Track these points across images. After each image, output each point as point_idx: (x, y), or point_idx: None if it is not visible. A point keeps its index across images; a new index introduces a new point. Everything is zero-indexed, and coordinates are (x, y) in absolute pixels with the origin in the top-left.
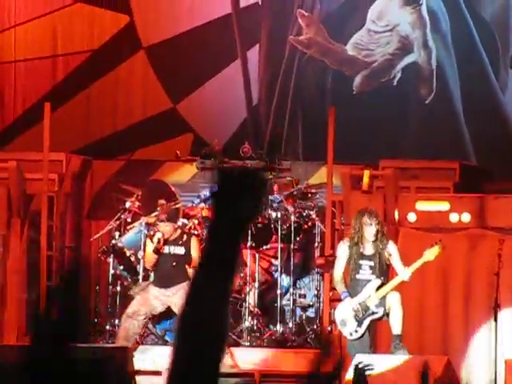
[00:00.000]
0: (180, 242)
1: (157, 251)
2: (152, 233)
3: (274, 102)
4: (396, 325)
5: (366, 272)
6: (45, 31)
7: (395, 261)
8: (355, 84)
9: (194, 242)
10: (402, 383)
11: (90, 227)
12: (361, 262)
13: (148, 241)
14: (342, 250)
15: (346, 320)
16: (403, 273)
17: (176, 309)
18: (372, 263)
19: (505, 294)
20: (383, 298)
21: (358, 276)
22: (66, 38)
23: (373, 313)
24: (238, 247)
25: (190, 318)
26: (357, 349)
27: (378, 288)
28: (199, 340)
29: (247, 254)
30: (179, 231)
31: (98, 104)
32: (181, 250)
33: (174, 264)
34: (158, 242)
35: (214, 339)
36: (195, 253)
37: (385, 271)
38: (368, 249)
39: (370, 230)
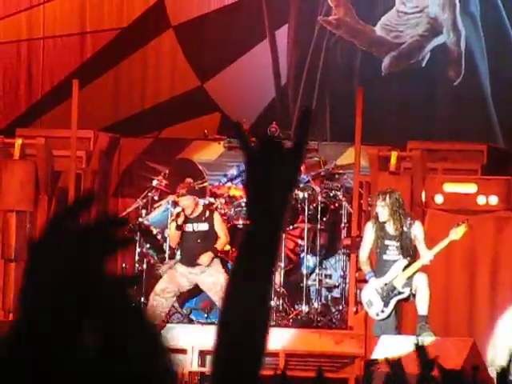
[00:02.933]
0: (203, 218)
1: (178, 227)
2: (174, 211)
3: (303, 82)
4: (422, 305)
5: (392, 252)
6: (74, 8)
7: (419, 242)
8: (384, 65)
9: (216, 217)
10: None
11: (117, 205)
12: (387, 242)
13: (170, 220)
14: (369, 231)
15: (372, 300)
16: (424, 256)
17: (203, 287)
18: (398, 243)
19: None
20: (409, 278)
21: (384, 256)
22: (94, 16)
23: (399, 293)
24: (282, 223)
25: (230, 313)
26: (383, 329)
27: (405, 268)
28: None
29: None
30: (201, 208)
31: (126, 82)
32: (204, 226)
33: (199, 241)
34: (178, 215)
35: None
36: (221, 231)
37: (411, 252)
38: (393, 229)
39: (381, 211)
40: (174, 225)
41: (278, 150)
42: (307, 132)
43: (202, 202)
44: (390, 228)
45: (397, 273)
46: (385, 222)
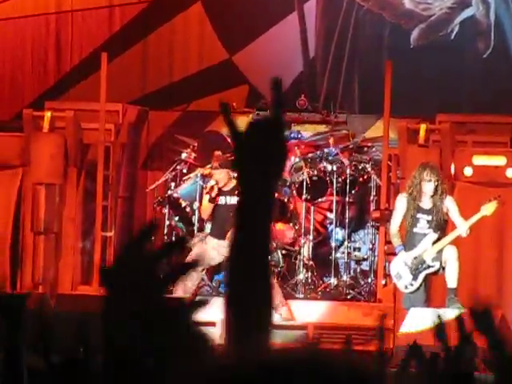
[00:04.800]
0: (236, 192)
1: (212, 199)
2: (208, 185)
3: (331, 55)
4: (452, 278)
5: (423, 226)
6: None
7: (454, 215)
8: (412, 37)
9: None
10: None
11: (146, 178)
12: (418, 215)
13: (204, 192)
14: (400, 203)
15: (401, 273)
16: (461, 227)
17: None
18: (429, 217)
19: None
20: (439, 252)
21: (414, 230)
22: None
23: (429, 266)
24: (270, 200)
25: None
26: (412, 302)
27: (435, 242)
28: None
29: (302, 207)
30: (234, 181)
31: (155, 55)
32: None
33: (232, 214)
34: (212, 188)
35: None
36: None
37: (442, 226)
38: (426, 203)
39: (429, 185)
40: (207, 197)
41: (264, 131)
42: (281, 104)
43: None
44: (425, 201)
45: (426, 246)
46: (419, 196)
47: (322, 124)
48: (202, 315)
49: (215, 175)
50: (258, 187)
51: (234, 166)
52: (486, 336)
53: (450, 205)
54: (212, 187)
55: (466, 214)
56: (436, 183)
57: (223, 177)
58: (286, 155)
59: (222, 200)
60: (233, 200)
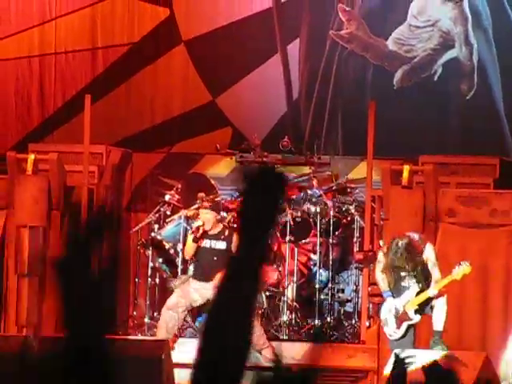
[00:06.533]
0: (222, 237)
1: (196, 239)
2: (194, 224)
3: (314, 96)
4: (439, 322)
5: (405, 280)
6: (85, 23)
7: (432, 265)
8: (396, 79)
9: (236, 238)
10: None
11: (130, 219)
12: (402, 273)
13: (189, 232)
14: (382, 259)
15: (387, 320)
16: (430, 290)
17: None
18: (411, 273)
19: None
20: (421, 305)
21: (401, 282)
22: (106, 31)
23: (409, 319)
24: (263, 246)
25: (217, 315)
26: (398, 346)
27: (418, 293)
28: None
29: (286, 248)
30: (221, 226)
31: (138, 97)
32: (222, 245)
33: (215, 258)
34: (197, 229)
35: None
36: None
37: (426, 275)
38: (406, 266)
39: (400, 259)
40: (192, 237)
41: (277, 180)
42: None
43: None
44: (402, 264)
45: (409, 298)
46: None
47: (305, 165)
48: (185, 357)
49: (202, 215)
50: (258, 243)
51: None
52: None
53: (429, 254)
54: (198, 228)
55: (449, 256)
56: (405, 254)
57: (211, 218)
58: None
59: (206, 243)
60: (218, 245)
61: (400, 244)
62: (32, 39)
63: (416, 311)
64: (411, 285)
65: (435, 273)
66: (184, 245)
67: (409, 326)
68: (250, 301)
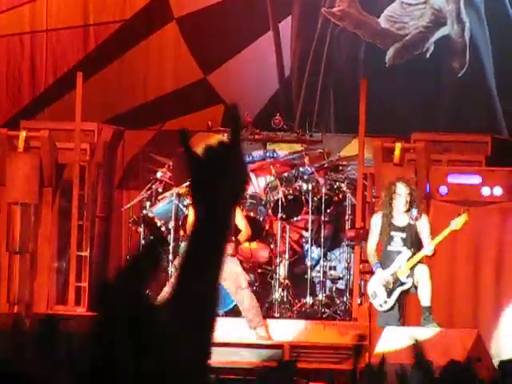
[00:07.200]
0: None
1: None
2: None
3: (306, 73)
4: (425, 297)
5: (397, 244)
6: (77, 0)
7: (424, 235)
8: (388, 57)
9: (238, 213)
10: (432, 355)
11: (121, 197)
12: (393, 233)
13: (190, 209)
14: (375, 222)
15: (376, 292)
16: (427, 247)
17: None
18: (404, 235)
19: None
20: (412, 269)
21: (388, 247)
22: (97, 8)
23: (402, 283)
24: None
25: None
26: (386, 320)
27: (409, 259)
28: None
29: (277, 226)
30: None
31: (130, 74)
32: None
33: None
34: None
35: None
36: (242, 225)
37: (416, 243)
38: (400, 220)
39: (399, 200)
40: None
41: (221, 155)
42: (238, 129)
43: None
44: (399, 219)
45: (401, 264)
46: (392, 213)
47: (297, 143)
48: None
49: None
50: (215, 212)
51: (191, 191)
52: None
53: (423, 225)
54: None
55: (441, 233)
56: (408, 197)
57: None
58: (246, 181)
59: None
60: None
61: (400, 181)
62: (23, 16)
63: (408, 276)
64: (401, 250)
65: (426, 242)
66: (176, 221)
67: (401, 293)
68: (212, 281)
